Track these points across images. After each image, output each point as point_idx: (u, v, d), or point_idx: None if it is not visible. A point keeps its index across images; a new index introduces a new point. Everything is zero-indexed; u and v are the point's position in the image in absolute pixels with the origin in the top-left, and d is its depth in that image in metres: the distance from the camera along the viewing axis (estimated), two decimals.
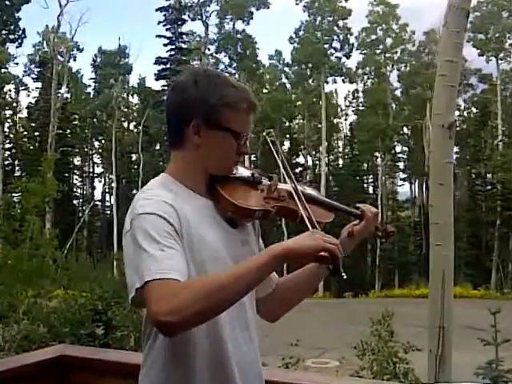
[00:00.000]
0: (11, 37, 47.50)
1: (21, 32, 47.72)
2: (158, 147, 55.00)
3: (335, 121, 61.28)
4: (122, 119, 58.88)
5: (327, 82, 55.35)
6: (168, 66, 48.13)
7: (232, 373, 1.93)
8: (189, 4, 51.67)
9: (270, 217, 2.14)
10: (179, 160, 2.06)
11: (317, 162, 58.97)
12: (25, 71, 55.73)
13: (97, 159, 61.54)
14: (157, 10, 48.46)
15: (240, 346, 1.97)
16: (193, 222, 1.91)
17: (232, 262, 1.96)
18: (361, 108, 60.02)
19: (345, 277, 1.82)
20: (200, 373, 1.90)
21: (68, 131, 53.56)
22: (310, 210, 2.11)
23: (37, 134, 52.87)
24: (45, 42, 55.03)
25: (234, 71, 52.63)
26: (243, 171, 2.15)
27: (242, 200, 2.04)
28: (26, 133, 55.64)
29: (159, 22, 48.47)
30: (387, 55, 56.18)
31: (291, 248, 1.79)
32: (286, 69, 57.93)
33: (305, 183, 2.37)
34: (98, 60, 58.02)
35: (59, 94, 48.66)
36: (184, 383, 1.91)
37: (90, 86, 60.04)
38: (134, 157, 56.74)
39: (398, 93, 57.99)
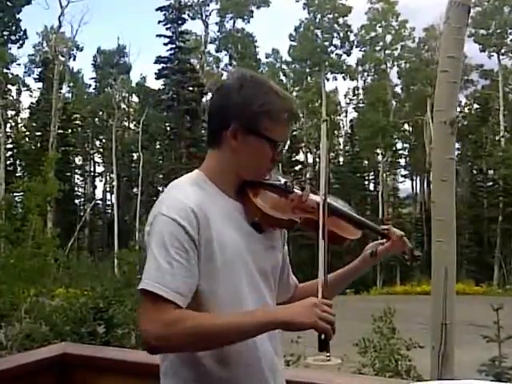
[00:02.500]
0: (12, 38, 47.53)
1: (22, 33, 47.77)
2: (158, 146, 55.01)
3: (336, 118, 61.23)
4: (123, 118, 58.92)
5: (327, 80, 55.37)
6: (168, 65, 48.09)
7: (263, 372, 1.98)
8: (189, 3, 51.67)
9: (296, 227, 2.14)
10: (214, 160, 2.07)
11: (317, 160, 58.90)
12: (26, 72, 55.94)
13: (98, 158, 61.65)
14: (157, 9, 48.43)
15: (267, 352, 2.00)
16: (216, 225, 1.93)
17: (254, 266, 2.01)
18: (361, 105, 60.03)
19: (328, 356, 1.84)
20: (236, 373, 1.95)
21: (69, 131, 53.55)
22: (338, 225, 2.15)
23: (38, 133, 52.93)
24: (45, 43, 55.14)
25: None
26: (277, 178, 2.15)
27: (270, 208, 2.04)
28: (27, 133, 55.77)
29: (159, 22, 48.46)
30: (387, 52, 56.18)
31: (285, 321, 1.83)
32: (284, 66, 57.90)
33: (336, 197, 2.34)
34: (98, 60, 58.04)
35: (60, 94, 48.68)
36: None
37: (90, 85, 60.18)
38: (134, 156, 56.74)
39: (398, 89, 58.04)
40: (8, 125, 52.71)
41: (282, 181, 2.14)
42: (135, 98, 60.92)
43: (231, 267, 1.94)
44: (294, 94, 56.41)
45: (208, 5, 53.04)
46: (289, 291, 2.27)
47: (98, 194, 61.14)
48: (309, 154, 59.36)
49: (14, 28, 47.05)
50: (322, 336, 1.82)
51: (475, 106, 57.21)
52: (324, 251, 1.99)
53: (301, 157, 58.02)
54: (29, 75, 56.03)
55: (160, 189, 53.06)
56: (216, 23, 54.41)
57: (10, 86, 52.12)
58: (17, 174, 48.32)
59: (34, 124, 54.48)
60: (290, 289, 2.28)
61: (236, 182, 2.05)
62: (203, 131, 47.71)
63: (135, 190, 53.74)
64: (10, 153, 52.31)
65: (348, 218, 2.24)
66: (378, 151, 56.40)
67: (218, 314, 1.88)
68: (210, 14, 53.24)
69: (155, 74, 49.40)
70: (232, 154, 2.02)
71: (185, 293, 1.83)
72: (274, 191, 2.11)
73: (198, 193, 1.96)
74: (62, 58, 50.81)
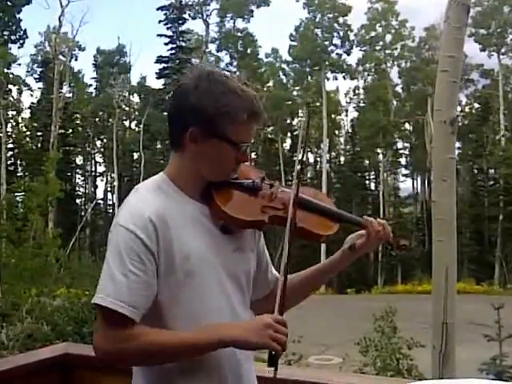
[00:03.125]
0: (13, 37, 47.54)
1: (22, 33, 47.76)
2: (159, 145, 55.00)
3: (336, 118, 61.21)
4: (124, 118, 58.96)
5: (328, 79, 55.34)
6: (169, 64, 48.13)
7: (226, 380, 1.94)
8: (189, 3, 51.67)
9: (266, 226, 2.06)
10: (177, 162, 2.02)
11: (318, 159, 58.92)
12: (27, 71, 55.92)
13: (99, 158, 61.62)
14: (158, 9, 48.52)
15: (231, 358, 1.95)
16: (178, 234, 1.88)
17: (223, 271, 1.96)
18: (362, 104, 59.99)
19: (275, 372, 1.82)
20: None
21: (70, 131, 53.60)
22: (310, 220, 2.06)
23: (39, 133, 53.00)
24: (46, 42, 55.17)
25: (234, 69, 52.59)
26: (247, 175, 2.07)
27: (236, 209, 1.97)
28: (28, 133, 55.77)
29: (160, 21, 48.53)
30: (387, 51, 56.12)
31: (239, 341, 1.81)
32: (284, 66, 57.90)
33: (309, 187, 2.22)
34: (99, 59, 58.06)
35: (61, 94, 48.69)
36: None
37: (91, 85, 60.17)
38: (135, 155, 56.77)
39: (398, 89, 57.96)
40: (9, 125, 52.77)
41: (252, 179, 2.07)
42: (136, 98, 60.97)
43: (195, 277, 1.89)
44: (295, 93, 56.46)
45: (208, 4, 53.04)
46: (268, 287, 2.21)
47: (99, 193, 61.22)
48: (309, 154, 59.37)
49: (14, 28, 47.04)
50: (273, 352, 1.81)
51: (476, 105, 57.18)
52: (287, 254, 1.94)
53: (301, 156, 57.83)
54: (30, 75, 56.10)
55: None
56: (216, 23, 54.42)
57: (10, 86, 52.14)
58: (18, 174, 48.40)
59: (35, 124, 54.48)
60: (270, 284, 2.22)
61: (201, 184, 1.99)
62: None
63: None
64: (10, 153, 52.36)
65: (322, 211, 2.13)
66: (379, 151, 56.39)
67: (173, 331, 1.85)
68: (210, 14, 53.27)
69: (156, 73, 49.52)
70: (193, 157, 1.96)
71: (140, 306, 1.80)
72: (241, 190, 2.04)
73: (160, 198, 1.92)
74: (63, 58, 50.85)
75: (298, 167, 2.16)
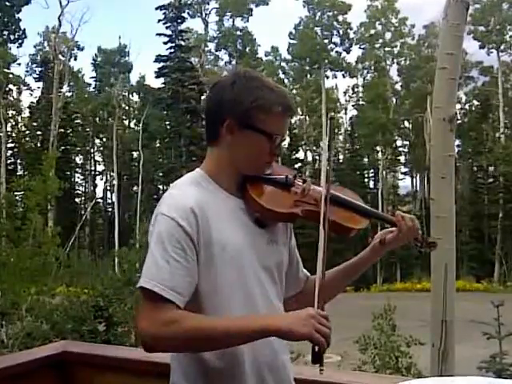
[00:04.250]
0: (12, 37, 47.55)
1: (21, 32, 47.78)
2: (158, 144, 55.02)
3: (335, 116, 61.14)
4: (123, 117, 58.95)
5: (327, 77, 55.36)
6: (168, 63, 48.09)
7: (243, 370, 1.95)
8: (188, 2, 51.65)
9: (300, 220, 2.15)
10: (213, 157, 2.10)
11: (317, 158, 58.91)
12: (27, 71, 55.98)
13: (98, 157, 61.63)
14: (156, 8, 48.46)
15: (260, 348, 1.96)
16: (217, 225, 1.95)
17: (258, 263, 2.01)
18: (361, 102, 59.96)
19: (321, 370, 1.84)
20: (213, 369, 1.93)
21: (70, 130, 53.59)
22: (342, 215, 2.13)
23: (39, 132, 53.01)
24: (46, 42, 55.17)
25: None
26: (280, 172, 2.15)
27: (270, 202, 2.05)
28: (28, 132, 55.78)
29: (159, 21, 48.48)
30: (387, 49, 56.18)
31: (285, 330, 1.81)
32: (284, 64, 57.90)
33: (343, 187, 2.29)
34: (99, 59, 58.06)
35: (61, 93, 48.71)
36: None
37: (91, 84, 60.16)
38: (134, 154, 56.75)
39: (398, 87, 58.00)
40: (9, 124, 52.77)
41: (283, 174, 2.14)
42: (135, 97, 60.96)
43: (233, 267, 1.94)
44: (294, 91, 56.40)
45: (207, 3, 53.08)
46: (299, 285, 2.27)
47: (99, 192, 61.19)
48: (308, 152, 59.34)
49: (13, 27, 47.05)
50: (316, 348, 1.81)
51: (475, 102, 57.17)
52: (324, 249, 1.98)
53: (301, 155, 57.96)
54: (30, 75, 56.13)
55: (160, 187, 53.09)
56: (215, 22, 54.43)
57: (10, 86, 52.16)
58: (17, 173, 48.40)
59: (35, 123, 54.48)
60: (300, 282, 2.28)
61: (236, 178, 2.07)
62: (203, 129, 47.70)
63: (135, 188, 53.74)
64: (10, 152, 52.39)
65: (353, 207, 2.22)
66: (378, 148, 56.39)
67: (217, 317, 1.88)
68: (209, 13, 53.29)
69: (155, 72, 49.46)
70: (230, 150, 2.04)
71: (183, 291, 1.84)
72: (275, 185, 2.12)
73: (199, 192, 1.98)
74: (62, 58, 50.84)
75: (326, 165, 2.24)
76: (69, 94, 54.76)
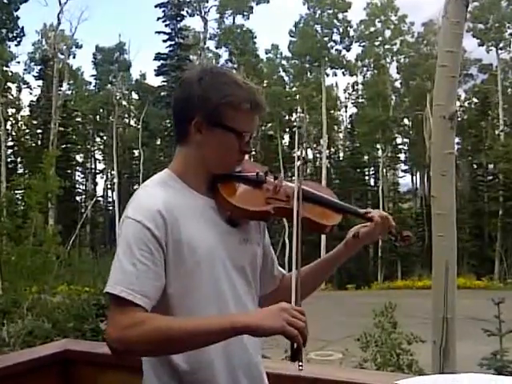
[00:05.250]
0: (10, 35, 47.51)
1: (19, 30, 47.74)
2: (158, 142, 55.02)
3: (335, 113, 61.18)
4: (124, 115, 58.96)
5: (327, 75, 55.33)
6: (168, 61, 48.08)
7: (216, 371, 1.93)
8: (187, 0, 51.58)
9: (272, 218, 2.11)
10: (182, 156, 2.05)
11: (317, 155, 58.91)
12: (26, 69, 55.94)
13: (99, 155, 61.75)
14: (156, 6, 48.43)
15: (233, 349, 1.95)
16: (186, 226, 1.91)
17: (230, 263, 1.98)
18: (361, 100, 59.96)
19: (300, 366, 1.76)
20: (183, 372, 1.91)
21: (70, 128, 53.58)
22: (314, 211, 2.10)
23: (39, 131, 53.02)
24: (44, 40, 55.12)
25: (234, 66, 52.55)
26: (250, 170, 2.11)
27: (241, 200, 2.01)
28: (28, 130, 55.81)
29: (158, 18, 48.48)
30: (386, 47, 56.16)
31: (253, 326, 1.76)
32: (284, 62, 57.87)
33: (311, 181, 2.28)
34: (98, 57, 58.06)
35: (60, 92, 48.72)
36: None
37: (90, 83, 60.18)
38: (135, 152, 56.79)
39: (397, 84, 57.98)
40: (8, 122, 52.76)
41: (254, 172, 2.10)
42: (135, 95, 60.92)
43: (203, 267, 1.91)
44: (294, 89, 56.40)
45: (207, 1, 52.99)
46: (274, 283, 2.24)
47: (99, 191, 61.35)
48: (309, 150, 59.33)
49: (11, 25, 47.02)
50: (295, 345, 1.76)
51: (474, 100, 57.17)
52: (297, 244, 1.95)
53: (300, 153, 57.77)
54: (29, 73, 56.12)
55: None
56: (215, 19, 54.40)
57: (9, 84, 52.15)
58: (18, 172, 48.41)
59: (35, 122, 54.51)
60: (276, 280, 2.25)
61: (206, 177, 2.03)
62: None
63: (136, 186, 53.69)
64: (10, 150, 52.39)
65: (325, 203, 2.18)
66: (378, 146, 56.43)
67: (184, 318, 1.85)
68: (209, 11, 53.24)
69: (155, 70, 49.45)
70: (198, 149, 2.00)
71: (150, 295, 1.81)
72: (246, 183, 2.08)
73: (166, 192, 1.95)
74: (62, 56, 50.84)
75: (299, 162, 2.19)
76: (68, 93, 54.75)
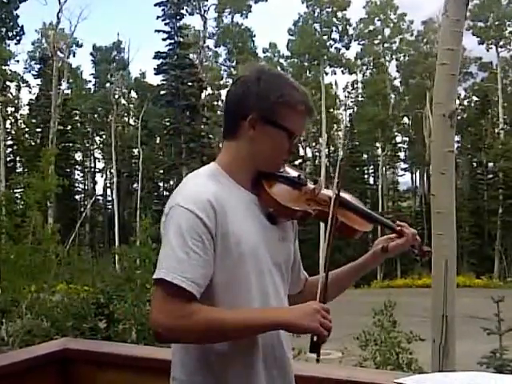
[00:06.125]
0: (10, 34, 47.48)
1: (19, 29, 47.70)
2: (157, 141, 55.01)
3: (335, 112, 61.18)
4: (123, 114, 58.94)
5: (326, 74, 55.35)
6: (167, 60, 48.05)
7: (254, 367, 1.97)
8: None
9: (310, 219, 2.18)
10: (231, 151, 2.09)
11: (317, 154, 58.94)
12: (25, 68, 55.99)
13: (98, 154, 61.72)
14: (155, 4, 48.41)
15: (269, 339, 2.00)
16: (233, 218, 1.95)
17: (269, 257, 2.03)
18: (360, 99, 60.03)
19: (318, 360, 1.96)
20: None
21: (69, 127, 53.64)
22: (349, 217, 2.19)
23: (38, 130, 53.02)
24: (44, 39, 55.10)
25: (232, 64, 52.59)
26: (290, 171, 2.17)
27: (285, 199, 2.06)
28: (27, 129, 55.81)
29: (158, 17, 48.47)
30: (386, 45, 56.24)
31: (293, 323, 1.88)
32: (282, 61, 57.88)
33: (348, 192, 2.41)
34: (98, 56, 58.05)
35: (60, 91, 48.65)
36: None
37: (90, 81, 60.18)
38: (134, 151, 56.76)
39: (397, 83, 58.02)
40: (8, 121, 52.74)
41: (295, 174, 2.17)
42: (134, 94, 60.91)
43: (248, 261, 1.95)
44: None
45: (206, 0, 53.00)
46: (299, 285, 2.30)
47: (99, 189, 61.33)
48: (308, 149, 59.37)
49: (11, 24, 46.98)
50: (315, 338, 1.88)
51: (474, 98, 57.23)
52: (327, 250, 2.04)
53: (300, 151, 57.93)
54: (28, 72, 56.17)
55: (160, 184, 53.14)
56: (214, 18, 54.40)
57: (8, 83, 52.12)
58: (17, 171, 48.39)
59: (34, 120, 54.52)
60: (300, 283, 2.31)
61: (252, 174, 2.07)
62: (203, 126, 47.67)
63: (135, 185, 53.77)
64: (9, 149, 52.36)
65: (360, 211, 2.27)
66: (378, 145, 56.49)
67: (229, 310, 1.90)
68: (208, 9, 53.24)
69: (154, 69, 49.42)
70: (249, 145, 2.05)
71: (201, 283, 1.85)
72: (288, 183, 2.14)
73: (215, 185, 1.98)
74: (61, 55, 50.77)
75: (338, 169, 2.24)
76: (68, 92, 54.73)
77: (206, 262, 1.87)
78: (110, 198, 59.65)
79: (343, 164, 2.27)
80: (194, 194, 1.93)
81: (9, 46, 47.45)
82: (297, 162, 55.17)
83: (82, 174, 60.36)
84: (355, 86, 60.64)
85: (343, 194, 2.21)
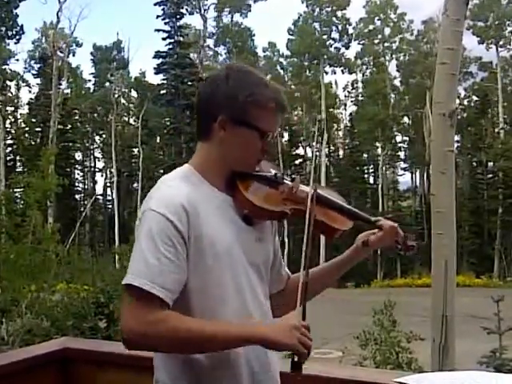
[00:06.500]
0: (9, 33, 47.49)
1: (19, 28, 47.71)
2: (158, 141, 55.00)
3: (335, 111, 61.17)
4: (123, 113, 58.92)
5: (326, 73, 55.37)
6: (167, 59, 48.08)
7: (239, 371, 1.94)
8: None
9: (287, 219, 2.13)
10: (204, 153, 2.05)
11: (317, 154, 58.90)
12: (25, 67, 55.94)
13: (98, 154, 61.67)
14: (155, 4, 48.45)
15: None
16: (206, 220, 1.91)
17: (245, 259, 1.99)
18: (360, 98, 60.02)
19: (300, 378, 1.84)
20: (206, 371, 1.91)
21: (69, 126, 53.61)
22: (329, 215, 2.13)
23: (38, 129, 52.98)
24: (44, 38, 55.11)
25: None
26: (267, 169, 2.12)
27: (260, 199, 2.02)
28: (27, 128, 55.78)
29: (158, 16, 48.50)
30: (386, 45, 56.21)
31: (269, 340, 1.81)
32: (282, 60, 57.89)
33: (330, 188, 2.31)
34: (97, 55, 58.04)
35: (59, 90, 48.64)
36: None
37: (90, 81, 60.16)
38: (134, 151, 56.74)
39: (397, 82, 57.99)
40: (7, 120, 52.73)
41: (273, 172, 2.11)
42: (134, 93, 60.91)
43: (222, 264, 1.91)
44: (293, 87, 56.39)
45: None
46: (281, 283, 2.26)
47: (99, 189, 61.27)
48: (308, 148, 59.32)
49: (11, 23, 46.99)
50: (296, 358, 1.82)
51: (474, 98, 57.18)
52: (306, 253, 1.98)
53: (300, 151, 58.02)
54: (28, 71, 56.12)
55: None
56: (214, 17, 54.42)
57: (8, 82, 52.13)
58: (17, 170, 48.38)
59: (34, 120, 54.47)
60: (283, 281, 2.27)
61: (225, 174, 2.03)
62: None
63: (135, 185, 53.78)
64: (9, 148, 52.36)
65: (339, 208, 2.21)
66: (378, 144, 56.46)
67: (204, 320, 1.85)
68: (208, 9, 53.24)
69: (154, 68, 49.51)
70: (221, 146, 2.00)
71: (172, 289, 1.81)
72: (264, 183, 2.09)
73: (188, 187, 1.94)
74: (61, 54, 50.77)
75: (313, 166, 2.20)
76: (68, 91, 54.72)
77: (177, 267, 1.83)
78: (110, 198, 59.65)
79: (318, 161, 2.21)
80: (166, 197, 1.90)
81: (8, 45, 47.54)
82: (297, 162, 55.29)
83: (81, 174, 60.37)
84: (355, 85, 60.70)
85: (321, 191, 2.16)
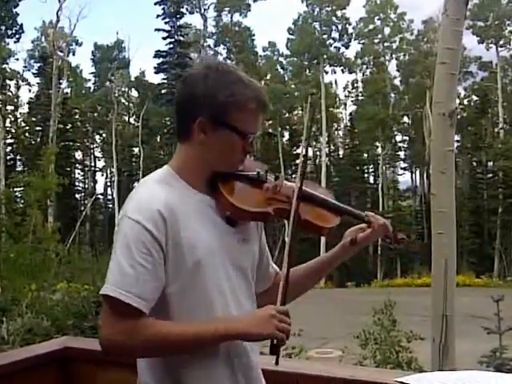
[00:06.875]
0: (9, 32, 47.48)
1: (18, 27, 47.70)
2: (158, 140, 55.00)
3: (335, 111, 61.17)
4: (123, 113, 58.92)
5: (326, 73, 55.36)
6: (167, 59, 48.11)
7: (222, 371, 1.93)
8: None
9: (272, 218, 2.09)
10: (183, 154, 2.00)
11: (317, 153, 58.90)
12: (25, 66, 55.97)
13: (98, 153, 61.68)
14: (155, 3, 48.49)
15: (234, 347, 1.94)
16: (185, 224, 1.87)
17: (229, 262, 1.96)
18: (360, 98, 60.02)
19: (278, 362, 1.85)
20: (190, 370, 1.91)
21: (69, 126, 53.61)
22: (314, 212, 2.09)
23: (38, 128, 52.97)
24: (43, 37, 55.11)
25: (232, 63, 52.46)
26: (250, 167, 2.05)
27: (242, 201, 1.97)
28: (27, 128, 55.76)
29: (158, 16, 48.54)
30: (386, 44, 56.20)
31: (245, 333, 1.83)
32: (282, 59, 57.90)
33: (315, 183, 2.24)
34: (98, 54, 58.04)
35: (59, 89, 48.65)
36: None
37: (90, 80, 60.15)
38: (135, 150, 56.76)
39: (397, 82, 57.98)
40: (7, 120, 52.72)
41: (255, 171, 2.05)
42: (135, 93, 60.93)
43: (203, 266, 1.88)
44: (293, 87, 56.38)
45: None
46: (269, 280, 2.22)
47: (99, 188, 61.30)
48: (308, 148, 59.17)
49: (10, 22, 46.98)
50: (275, 341, 1.83)
51: (474, 97, 57.16)
52: (289, 245, 1.95)
53: (299, 151, 57.88)
54: (28, 70, 56.14)
55: None
56: (214, 17, 54.42)
57: (8, 81, 52.12)
58: (17, 169, 48.39)
59: (34, 119, 54.48)
60: (271, 278, 2.23)
61: (206, 175, 1.98)
62: None
63: (136, 184, 53.67)
64: (9, 148, 52.36)
65: (325, 204, 2.16)
66: (378, 144, 56.47)
67: (177, 323, 1.85)
68: (208, 8, 53.24)
69: (154, 68, 49.57)
70: (201, 148, 1.95)
71: (149, 298, 1.80)
72: (247, 182, 2.04)
73: (166, 191, 1.90)
74: (61, 53, 50.77)
75: (302, 159, 2.16)
76: (68, 90, 54.74)
77: (153, 275, 1.80)
78: (110, 197, 59.71)
79: (304, 160, 2.16)
80: (142, 203, 1.86)
81: (8, 44, 47.56)
82: (298, 161, 55.23)
83: (82, 173, 60.35)
84: (355, 85, 60.75)
85: (306, 188, 2.09)
